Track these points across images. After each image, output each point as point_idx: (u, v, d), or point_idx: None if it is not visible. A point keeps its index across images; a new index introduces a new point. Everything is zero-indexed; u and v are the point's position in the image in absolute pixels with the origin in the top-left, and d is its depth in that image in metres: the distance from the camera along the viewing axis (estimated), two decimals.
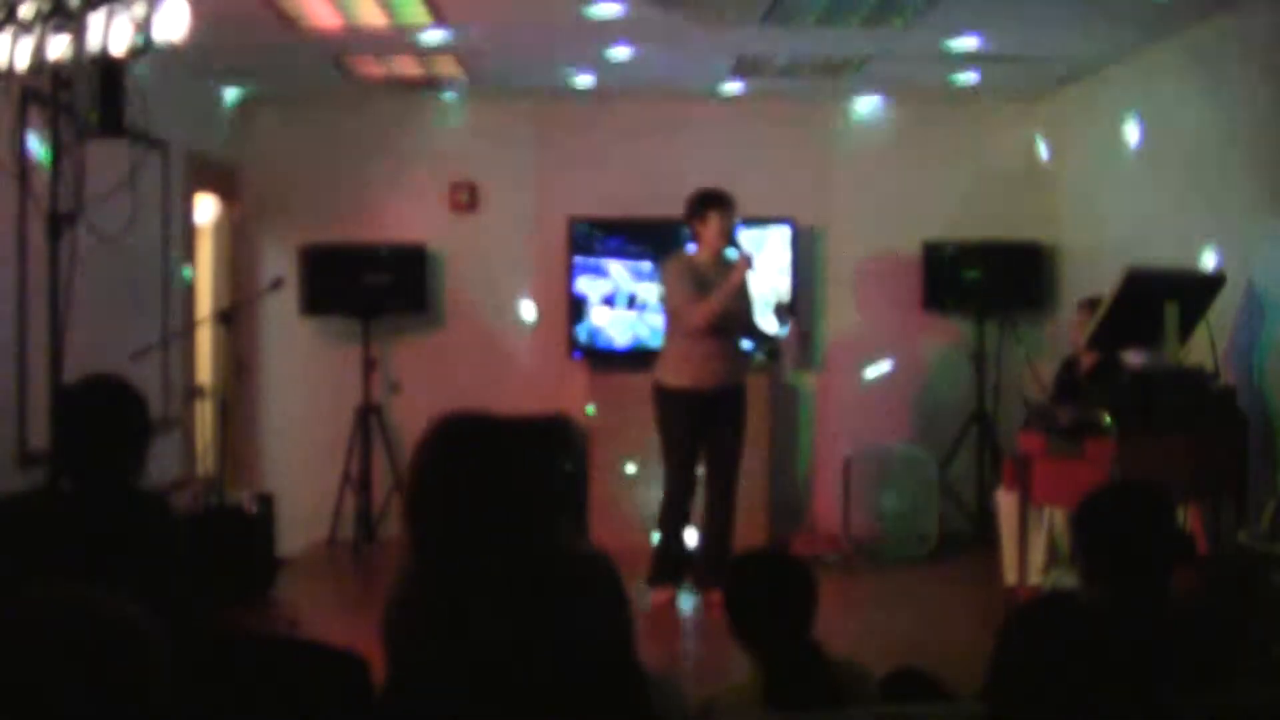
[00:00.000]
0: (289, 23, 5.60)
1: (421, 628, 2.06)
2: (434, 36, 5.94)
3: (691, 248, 5.92)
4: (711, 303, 5.69)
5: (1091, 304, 5.83)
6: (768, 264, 7.14)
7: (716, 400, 5.82)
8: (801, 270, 7.37)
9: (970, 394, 7.39)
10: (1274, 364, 5.14)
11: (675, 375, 5.84)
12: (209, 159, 6.94)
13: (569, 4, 5.43)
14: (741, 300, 5.88)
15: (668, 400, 5.85)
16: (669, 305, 5.94)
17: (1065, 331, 6.70)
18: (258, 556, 6.26)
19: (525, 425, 2.28)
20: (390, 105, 7.43)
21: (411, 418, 7.50)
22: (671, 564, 5.92)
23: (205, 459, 6.52)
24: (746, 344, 6.06)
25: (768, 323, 6.11)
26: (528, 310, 7.58)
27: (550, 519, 2.15)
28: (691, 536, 6.05)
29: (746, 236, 6.24)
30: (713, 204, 5.78)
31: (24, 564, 2.58)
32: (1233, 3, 5.27)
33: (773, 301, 6.20)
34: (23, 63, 4.07)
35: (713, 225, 5.77)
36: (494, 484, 2.10)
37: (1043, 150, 7.54)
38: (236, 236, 7.39)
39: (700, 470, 5.95)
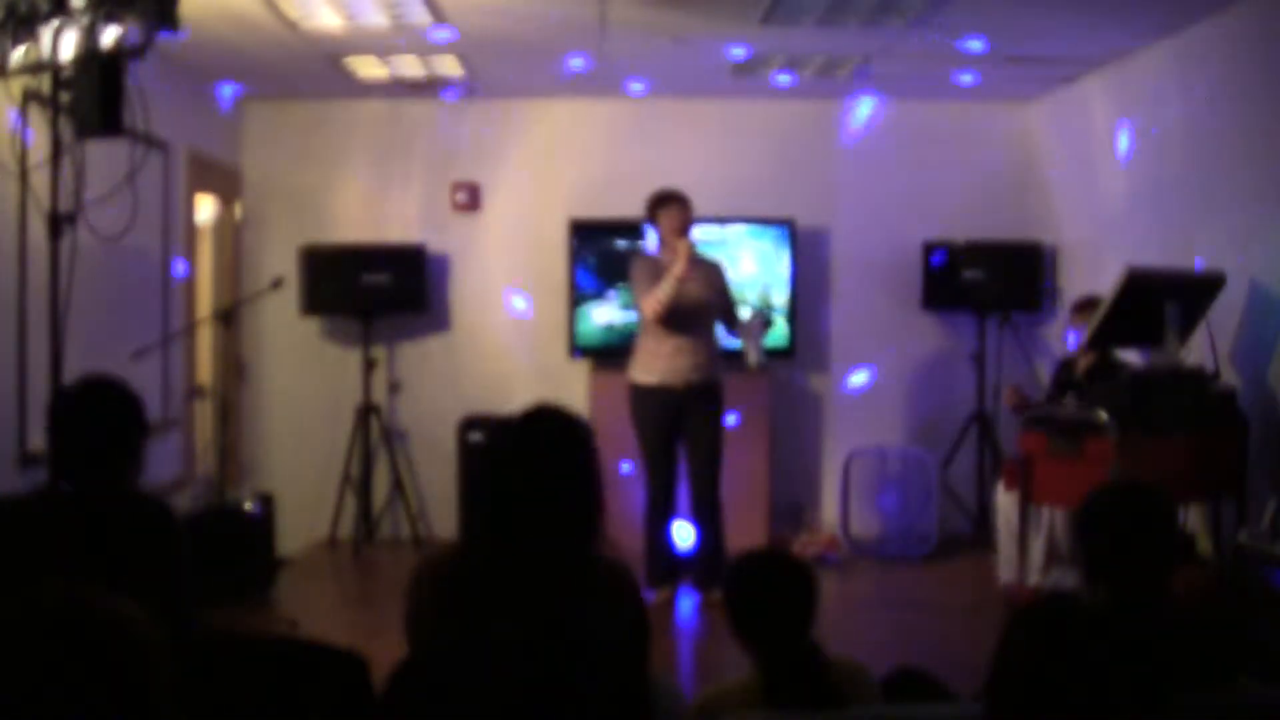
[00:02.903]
0: (289, 23, 5.60)
1: (446, 613, 2.08)
2: (434, 36, 5.94)
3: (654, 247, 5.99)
4: (656, 292, 5.69)
5: (1085, 304, 5.83)
6: (758, 265, 7.15)
7: (689, 397, 5.80)
8: (801, 270, 7.37)
9: (970, 394, 7.39)
10: None
11: (645, 372, 5.85)
12: (209, 159, 6.94)
13: (569, 4, 5.43)
14: (710, 293, 5.84)
15: (640, 398, 5.86)
16: (634, 302, 5.97)
17: (1060, 331, 6.70)
18: (258, 556, 6.29)
19: (574, 424, 2.35)
20: (390, 105, 7.43)
21: (412, 418, 7.51)
22: (663, 563, 5.91)
23: (205, 459, 6.52)
24: (761, 346, 5.98)
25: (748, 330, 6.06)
26: (528, 310, 7.57)
27: (591, 523, 2.21)
28: (682, 534, 6.05)
29: (741, 236, 6.20)
30: (661, 203, 5.84)
31: (24, 565, 2.58)
32: (1230, 2, 5.28)
33: (749, 313, 6.19)
34: (22, 62, 4.07)
35: (665, 223, 5.80)
36: (557, 480, 2.17)
37: (1042, 150, 7.53)
38: (236, 236, 7.39)
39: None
